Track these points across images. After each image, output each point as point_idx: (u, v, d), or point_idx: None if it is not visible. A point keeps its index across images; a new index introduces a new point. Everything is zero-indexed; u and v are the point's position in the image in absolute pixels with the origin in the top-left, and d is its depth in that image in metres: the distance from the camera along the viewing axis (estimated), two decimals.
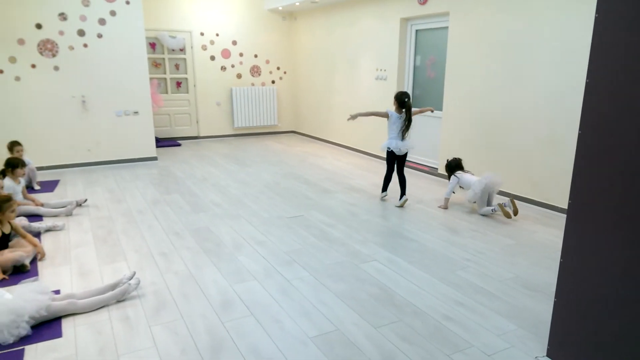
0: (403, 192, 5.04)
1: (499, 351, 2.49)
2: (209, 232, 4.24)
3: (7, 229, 3.54)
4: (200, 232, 4.25)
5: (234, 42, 9.25)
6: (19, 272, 3.38)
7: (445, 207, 4.99)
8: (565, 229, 2.23)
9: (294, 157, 7.76)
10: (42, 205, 4.75)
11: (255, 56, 9.55)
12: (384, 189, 5.28)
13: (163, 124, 8.98)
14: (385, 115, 4.97)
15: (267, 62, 9.71)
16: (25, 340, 2.56)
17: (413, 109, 4.94)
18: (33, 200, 4.80)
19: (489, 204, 4.81)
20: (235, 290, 3.15)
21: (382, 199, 5.30)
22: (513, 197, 4.93)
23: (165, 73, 8.82)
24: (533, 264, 3.59)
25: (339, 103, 8.52)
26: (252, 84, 9.64)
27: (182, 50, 8.82)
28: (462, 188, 5.01)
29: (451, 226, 4.46)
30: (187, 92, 9.10)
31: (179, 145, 8.76)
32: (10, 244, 3.57)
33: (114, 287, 3.03)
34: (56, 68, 6.45)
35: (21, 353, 2.45)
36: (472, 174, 4.99)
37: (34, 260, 3.57)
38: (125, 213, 4.77)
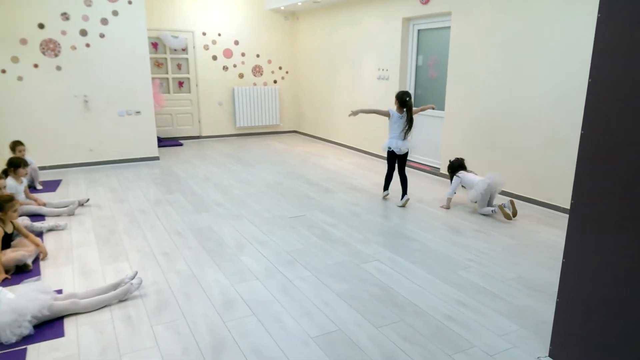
0: (405, 192, 5.04)
1: (501, 351, 2.49)
2: (211, 232, 4.25)
3: (9, 229, 3.55)
4: (202, 231, 4.26)
5: (236, 42, 9.25)
6: (21, 271, 3.39)
7: (448, 207, 4.98)
8: (568, 229, 2.22)
9: (295, 156, 7.76)
10: (44, 204, 4.76)
11: (257, 56, 9.55)
12: (385, 187, 5.28)
13: (165, 124, 9.00)
14: (386, 114, 4.98)
15: (269, 62, 9.71)
16: (27, 339, 2.56)
17: (414, 108, 4.95)
18: (35, 200, 4.81)
19: (490, 204, 4.80)
20: (237, 290, 3.16)
21: (384, 198, 5.30)
22: (514, 198, 4.92)
23: (167, 73, 8.83)
24: (535, 264, 3.59)
25: (341, 103, 8.51)
26: (254, 84, 9.65)
27: (184, 50, 8.83)
28: (465, 188, 5.01)
29: (453, 226, 4.45)
30: (189, 92, 9.11)
31: (181, 145, 8.77)
32: (12, 243, 3.58)
33: (116, 286, 3.03)
34: (58, 68, 6.47)
35: (24, 352, 2.46)
36: (475, 174, 4.98)
37: (36, 260, 3.58)
38: (128, 213, 4.78)
